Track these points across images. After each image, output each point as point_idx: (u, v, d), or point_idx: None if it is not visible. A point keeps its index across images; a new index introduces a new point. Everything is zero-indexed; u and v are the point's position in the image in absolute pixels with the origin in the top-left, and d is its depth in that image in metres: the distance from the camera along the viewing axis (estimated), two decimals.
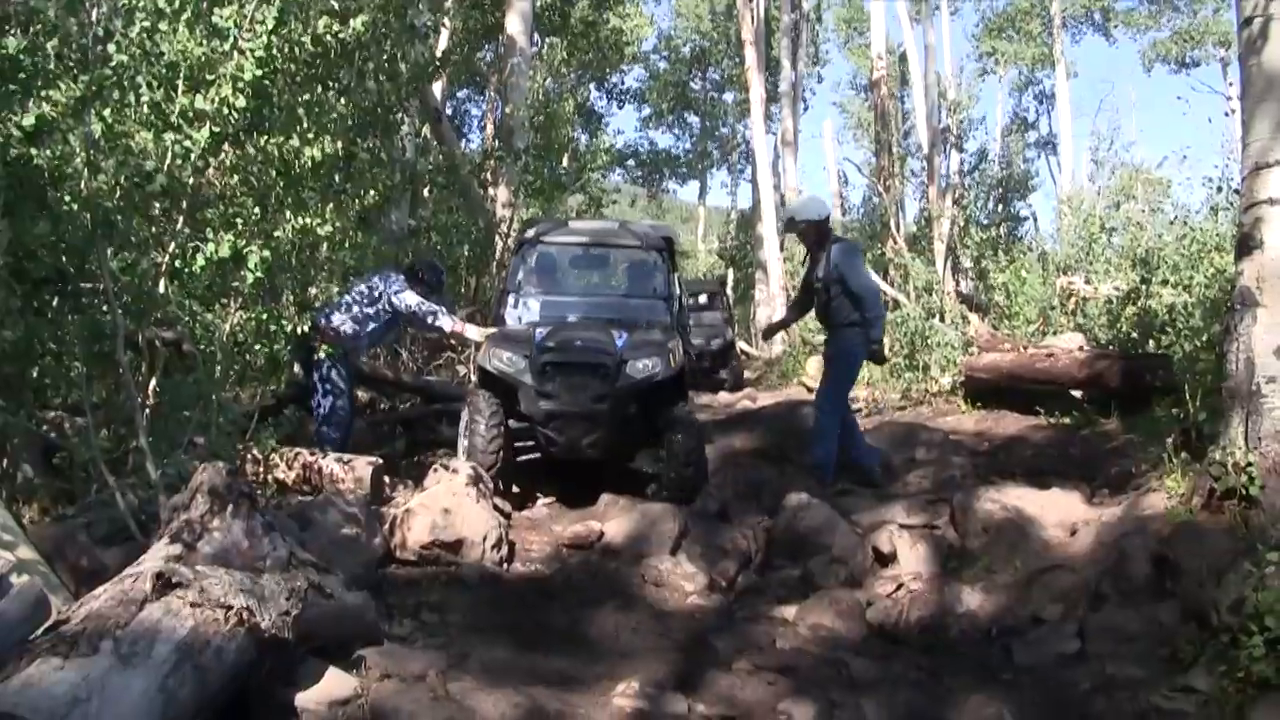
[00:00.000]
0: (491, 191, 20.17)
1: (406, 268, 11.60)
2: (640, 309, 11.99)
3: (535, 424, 10.32)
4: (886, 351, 11.88)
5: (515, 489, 10.67)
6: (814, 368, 19.62)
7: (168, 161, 7.27)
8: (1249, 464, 6.73)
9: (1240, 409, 6.99)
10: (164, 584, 4.29)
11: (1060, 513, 8.25)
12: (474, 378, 12.59)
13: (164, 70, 7.43)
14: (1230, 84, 36.26)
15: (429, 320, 11.20)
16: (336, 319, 10.65)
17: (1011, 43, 44.60)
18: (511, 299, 11.88)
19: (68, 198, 6.76)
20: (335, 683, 4.94)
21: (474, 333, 11.73)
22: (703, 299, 23.18)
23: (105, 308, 7.07)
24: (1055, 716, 5.83)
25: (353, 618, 5.64)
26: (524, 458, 10.57)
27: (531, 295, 11.96)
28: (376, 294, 10.96)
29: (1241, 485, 6.71)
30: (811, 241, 11.19)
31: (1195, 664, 5.94)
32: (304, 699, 4.79)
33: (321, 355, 10.20)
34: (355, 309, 10.86)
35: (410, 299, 10.95)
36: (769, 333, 13.36)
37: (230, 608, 4.37)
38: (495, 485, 9.70)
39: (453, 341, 13.46)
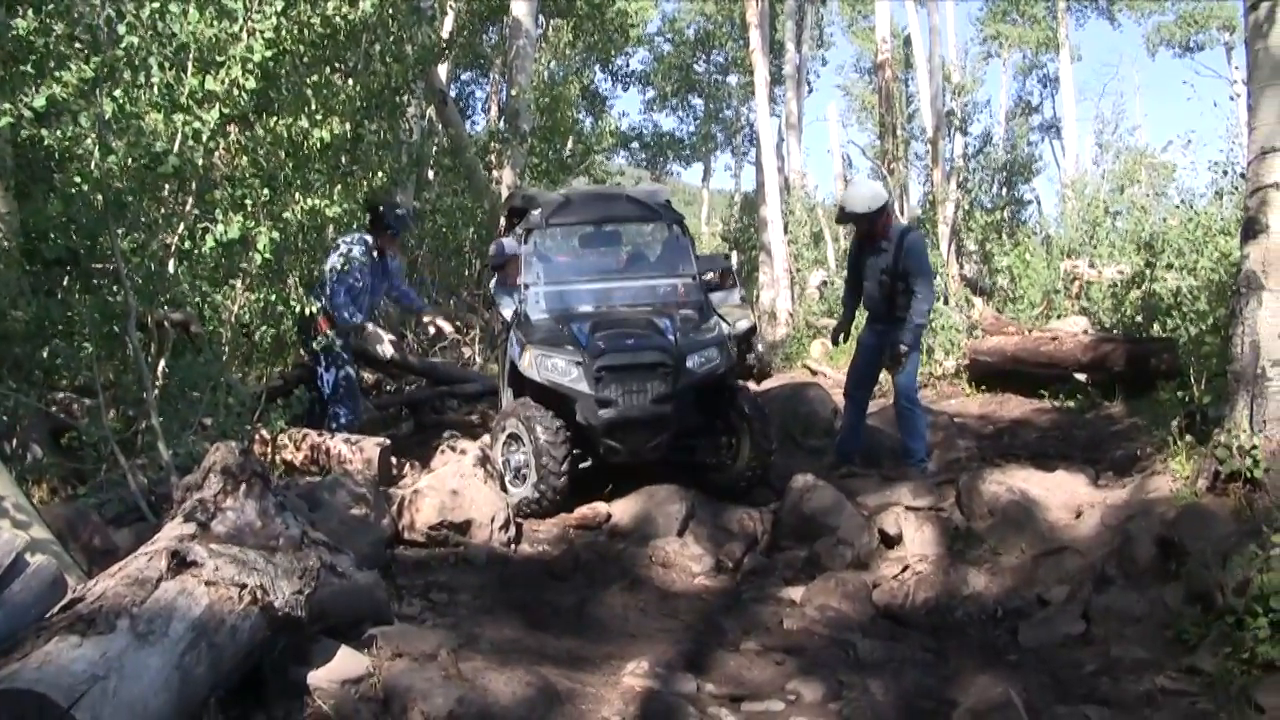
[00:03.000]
0: (496, 174, 20.15)
1: (370, 204, 10.92)
2: (672, 292, 10.90)
3: (595, 434, 9.52)
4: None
5: None
6: (818, 351, 19.65)
7: (178, 143, 7.29)
8: (1254, 447, 6.76)
9: (1245, 392, 7.02)
10: (179, 563, 4.32)
11: (1065, 495, 8.27)
12: (502, 388, 11.07)
13: (174, 51, 7.44)
14: (1236, 68, 36.21)
15: (337, 300, 10.43)
16: (332, 301, 10.27)
17: (1015, 26, 44.45)
18: (531, 292, 10.34)
19: (78, 179, 6.78)
20: (347, 661, 4.98)
21: (383, 344, 11.12)
22: (709, 276, 22.31)
23: (116, 288, 7.11)
24: (1060, 697, 5.85)
25: (364, 597, 5.69)
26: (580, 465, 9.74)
27: (553, 286, 10.62)
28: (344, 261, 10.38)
29: (1246, 468, 6.74)
30: (864, 232, 10.75)
31: (1200, 646, 5.97)
32: (316, 677, 4.83)
33: (323, 338, 9.86)
34: (337, 286, 10.35)
35: (333, 260, 10.35)
36: (838, 335, 11.81)
37: (244, 586, 4.41)
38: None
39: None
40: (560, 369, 9.57)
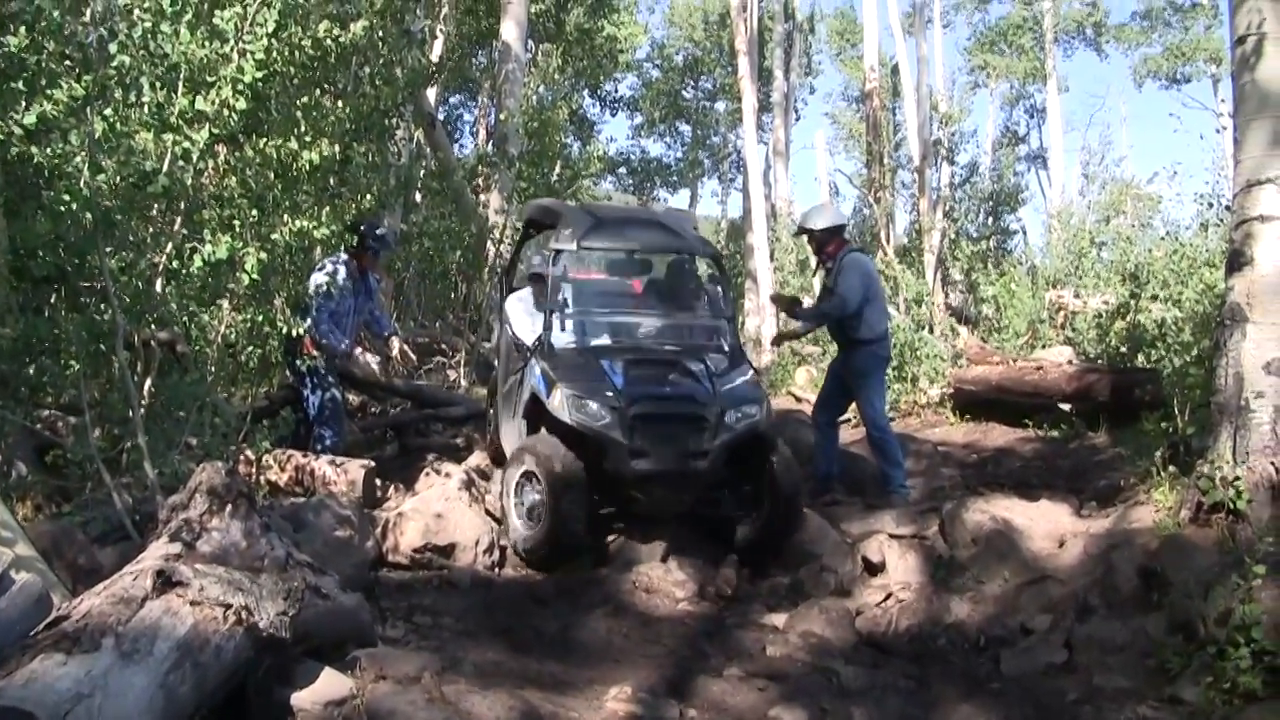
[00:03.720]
0: (484, 197, 20.14)
1: (353, 225, 10.40)
2: (704, 333, 10.35)
3: (624, 484, 8.82)
4: (797, 340, 11.49)
5: None
6: (803, 379, 19.65)
7: (167, 162, 7.30)
8: (1237, 478, 6.79)
9: (1229, 424, 7.05)
10: (164, 582, 4.32)
11: (1049, 524, 8.28)
12: (511, 415, 10.11)
13: (165, 71, 7.45)
14: (1222, 100, 36.45)
15: (320, 324, 10.27)
16: (312, 326, 9.99)
17: (1003, 56, 44.59)
18: (557, 319, 9.59)
19: (67, 196, 6.78)
20: (331, 683, 4.97)
21: (360, 360, 11.01)
22: None
23: (103, 307, 7.11)
24: None
25: (348, 619, 5.67)
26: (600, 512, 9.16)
27: (581, 314, 9.93)
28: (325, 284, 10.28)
29: (1229, 499, 6.76)
30: (815, 250, 11.07)
31: (1182, 675, 6.00)
32: (300, 699, 4.81)
33: (307, 360, 9.87)
34: (319, 310, 10.25)
35: (318, 279, 10.26)
36: (780, 339, 12.65)
37: (229, 607, 4.40)
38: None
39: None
40: (592, 413, 8.75)
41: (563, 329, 9.65)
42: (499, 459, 10.37)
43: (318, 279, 10.18)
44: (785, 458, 9.17)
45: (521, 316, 10.51)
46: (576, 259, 10.24)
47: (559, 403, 8.84)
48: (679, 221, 11.08)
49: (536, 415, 9.32)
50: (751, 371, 9.79)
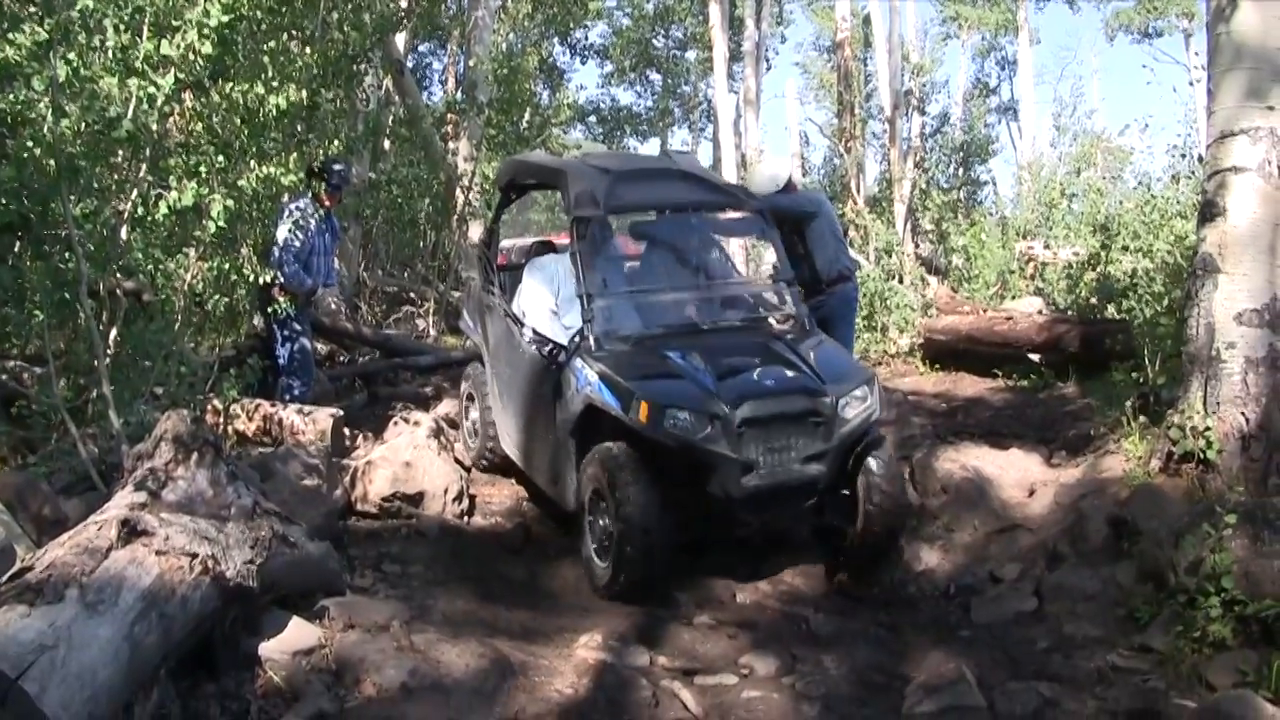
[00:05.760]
0: (453, 145, 20.02)
1: (308, 168, 9.99)
2: (764, 302, 8.76)
3: (730, 506, 7.13)
4: None
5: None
6: None
7: (132, 107, 7.19)
8: (1207, 428, 6.83)
9: (1199, 374, 7.06)
10: (129, 532, 4.28)
11: (1019, 473, 8.32)
12: (556, 440, 8.00)
13: (130, 15, 7.33)
14: (1196, 54, 36.41)
15: (279, 258, 9.83)
16: (279, 265, 9.77)
17: (975, 8, 44.43)
18: (599, 307, 7.79)
19: (31, 143, 6.67)
20: (299, 632, 4.95)
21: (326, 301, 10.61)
22: None
23: (68, 255, 7.01)
24: (1013, 673, 5.89)
25: (316, 568, 5.64)
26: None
27: (623, 297, 8.27)
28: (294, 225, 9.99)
29: (1199, 449, 6.81)
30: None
31: (1152, 624, 6.04)
32: (268, 648, 4.80)
33: (279, 307, 9.73)
34: (289, 251, 9.95)
35: (281, 234, 9.87)
36: None
37: (195, 556, 4.37)
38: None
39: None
40: (687, 424, 6.98)
41: (608, 318, 7.89)
42: (495, 468, 9.75)
43: (284, 229, 9.98)
44: (885, 453, 7.63)
45: (537, 306, 8.88)
46: (602, 227, 8.61)
47: (646, 416, 7.02)
48: (699, 167, 9.66)
49: (590, 429, 7.58)
50: (838, 346, 8.42)
